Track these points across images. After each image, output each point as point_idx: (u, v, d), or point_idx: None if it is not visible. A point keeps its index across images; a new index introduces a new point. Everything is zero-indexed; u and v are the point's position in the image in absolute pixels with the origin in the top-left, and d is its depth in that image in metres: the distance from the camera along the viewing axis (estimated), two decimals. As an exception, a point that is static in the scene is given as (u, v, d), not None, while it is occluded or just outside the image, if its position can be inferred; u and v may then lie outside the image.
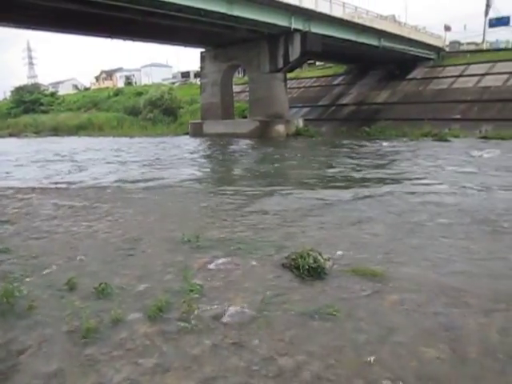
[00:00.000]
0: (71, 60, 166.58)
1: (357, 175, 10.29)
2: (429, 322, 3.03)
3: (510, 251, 4.48)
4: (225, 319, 3.10)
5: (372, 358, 2.59)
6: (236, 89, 37.62)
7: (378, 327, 2.98)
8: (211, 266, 4.11)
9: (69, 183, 9.91)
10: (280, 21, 23.82)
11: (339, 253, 4.41)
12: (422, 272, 3.91)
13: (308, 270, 3.81)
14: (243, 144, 22.08)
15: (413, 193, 7.64)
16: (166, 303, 3.24)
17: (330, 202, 7.09)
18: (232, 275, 3.92)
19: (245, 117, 31.02)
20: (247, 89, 31.60)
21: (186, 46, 31.72)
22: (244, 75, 42.10)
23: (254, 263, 4.20)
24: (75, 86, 72.51)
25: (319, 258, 3.94)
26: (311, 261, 3.88)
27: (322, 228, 5.50)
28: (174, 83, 55.40)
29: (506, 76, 27.90)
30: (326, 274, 3.85)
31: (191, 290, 3.46)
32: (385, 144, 18.92)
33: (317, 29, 25.24)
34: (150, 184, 9.48)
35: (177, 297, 3.38)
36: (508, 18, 44.63)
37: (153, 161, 14.69)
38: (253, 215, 6.27)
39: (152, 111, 38.26)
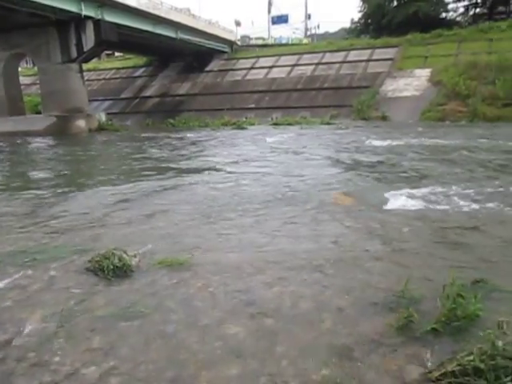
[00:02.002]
0: None
1: (163, 166, 10.32)
2: (232, 301, 3.25)
3: (287, 226, 5.15)
4: (19, 341, 2.77)
5: (180, 349, 2.66)
6: (25, 81, 33.60)
7: (186, 315, 3.06)
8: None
9: None
10: (67, 5, 21.89)
11: (146, 247, 4.37)
12: (224, 254, 4.17)
13: (113, 271, 3.68)
14: (40, 143, 19.81)
15: (211, 182, 7.99)
16: None
17: (136, 195, 6.96)
18: (27, 291, 3.51)
19: (39, 112, 27.84)
20: (38, 81, 28.40)
21: None
22: (34, 65, 37.64)
23: (53, 273, 3.84)
24: None
25: (124, 255, 3.84)
26: (116, 260, 3.76)
27: (127, 224, 5.35)
28: None
29: (288, 68, 31.61)
30: (133, 271, 3.78)
31: (-28, 319, 2.98)
32: (189, 135, 19.42)
33: (111, 17, 24.14)
34: None
35: (-46, 331, 2.87)
36: (287, 16, 50.61)
37: None
38: (52, 219, 5.71)
39: None
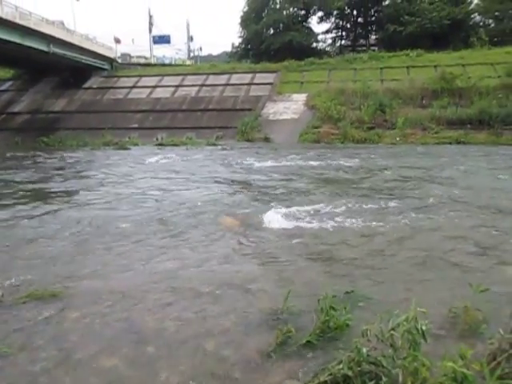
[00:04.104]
0: None
1: (30, 189, 9.40)
2: (111, 331, 3.08)
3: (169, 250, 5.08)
4: None
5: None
6: None
7: (57, 351, 2.82)
8: None
9: None
10: None
11: (12, 279, 3.95)
12: (102, 282, 3.94)
13: (-32, 310, 3.24)
14: None
15: (86, 205, 7.54)
16: None
17: None
18: None
19: None
20: None
21: None
22: None
23: None
24: None
25: (-17, 292, 3.41)
26: (-28, 297, 3.32)
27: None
28: None
29: (173, 89, 31.48)
30: (-5, 307, 3.38)
31: None
32: (65, 155, 18.16)
33: (-33, 24, 21.72)
34: None
35: None
36: (168, 36, 50.64)
37: None
38: None
39: None
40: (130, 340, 2.95)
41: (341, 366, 2.15)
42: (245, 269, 4.32)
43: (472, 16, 40.52)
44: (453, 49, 32.57)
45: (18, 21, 24.35)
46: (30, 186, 9.89)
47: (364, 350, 2.15)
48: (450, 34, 37.01)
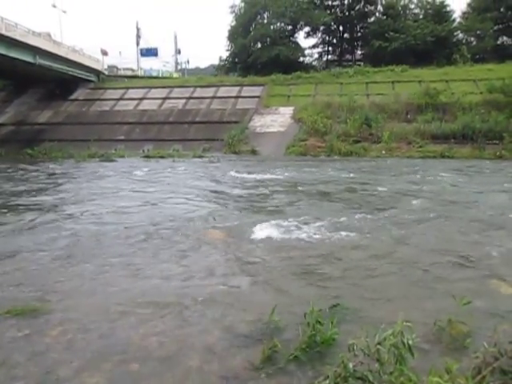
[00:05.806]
0: None
1: (12, 202, 9.25)
2: (94, 347, 3.00)
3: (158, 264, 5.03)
4: None
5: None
6: None
7: (37, 368, 2.74)
8: None
9: None
10: None
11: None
12: (85, 297, 3.86)
13: None
14: None
15: (70, 219, 7.37)
16: None
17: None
18: None
19: None
20: None
21: None
22: None
23: None
24: None
25: (-39, 308, 3.32)
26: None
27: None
28: None
29: (160, 101, 31.52)
30: (-25, 325, 3.28)
31: None
32: (51, 166, 17.98)
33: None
34: None
35: None
36: (156, 49, 50.81)
37: None
38: None
39: None
40: (112, 357, 2.88)
41: (327, 381, 2.13)
42: (229, 282, 4.27)
43: (455, 34, 41.63)
44: (436, 65, 33.37)
45: (3, 32, 24.25)
46: (11, 199, 9.72)
47: (350, 364, 2.13)
48: (433, 51, 37.92)
